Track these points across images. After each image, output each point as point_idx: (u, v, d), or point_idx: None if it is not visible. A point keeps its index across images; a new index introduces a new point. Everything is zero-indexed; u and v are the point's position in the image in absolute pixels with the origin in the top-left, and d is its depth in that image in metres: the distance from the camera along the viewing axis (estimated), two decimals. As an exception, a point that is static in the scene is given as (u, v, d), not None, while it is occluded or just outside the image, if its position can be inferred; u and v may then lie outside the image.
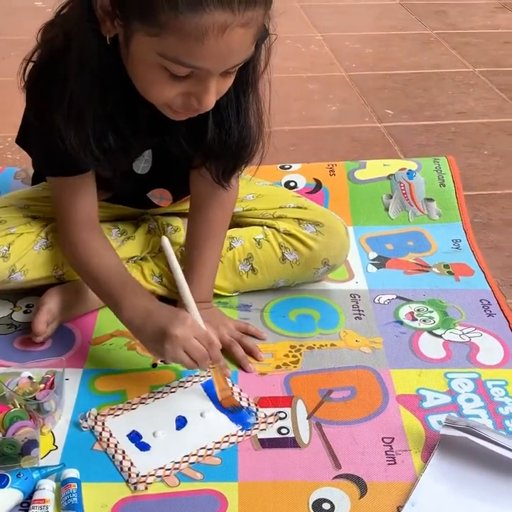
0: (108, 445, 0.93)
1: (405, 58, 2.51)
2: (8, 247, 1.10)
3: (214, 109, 0.94)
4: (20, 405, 0.93)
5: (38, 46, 0.97)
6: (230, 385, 1.02)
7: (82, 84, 0.90)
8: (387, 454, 0.93)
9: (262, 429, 0.96)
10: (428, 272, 1.32)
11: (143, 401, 1.00)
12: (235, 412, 0.98)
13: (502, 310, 1.20)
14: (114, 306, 1.02)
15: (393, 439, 0.95)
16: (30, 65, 0.97)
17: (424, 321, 1.18)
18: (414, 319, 1.19)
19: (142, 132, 1.00)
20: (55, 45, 0.93)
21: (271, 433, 0.96)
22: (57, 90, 0.92)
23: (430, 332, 1.16)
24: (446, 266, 1.33)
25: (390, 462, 0.91)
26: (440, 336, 1.15)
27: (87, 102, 0.91)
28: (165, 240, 0.98)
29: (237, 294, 1.23)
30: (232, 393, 1.01)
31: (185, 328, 0.94)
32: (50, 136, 0.95)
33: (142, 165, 1.09)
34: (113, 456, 0.92)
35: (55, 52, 0.93)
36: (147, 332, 0.97)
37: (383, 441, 0.95)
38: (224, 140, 1.01)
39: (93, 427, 0.96)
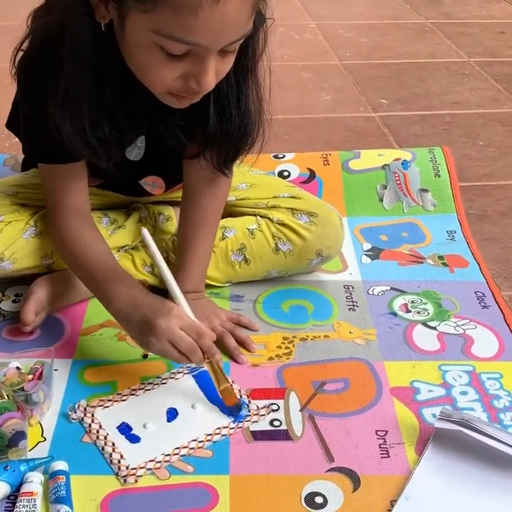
0: (98, 437, 0.92)
1: (400, 47, 2.49)
2: (-4, 236, 1.09)
3: (215, 96, 0.92)
4: (7, 396, 0.91)
5: (28, 33, 0.95)
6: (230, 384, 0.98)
7: (77, 73, 0.88)
8: (380, 447, 0.92)
9: (254, 422, 0.95)
10: (422, 263, 1.30)
11: (133, 392, 0.99)
12: (237, 411, 0.95)
13: (497, 302, 1.19)
14: (101, 296, 1.00)
15: (387, 432, 0.94)
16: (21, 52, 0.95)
17: (418, 312, 1.17)
18: (408, 311, 1.17)
19: (137, 121, 0.98)
20: (47, 32, 0.90)
21: (263, 425, 0.95)
22: (50, 79, 0.90)
23: (424, 324, 1.14)
24: (440, 257, 1.32)
25: (384, 455, 0.90)
26: (434, 328, 1.13)
27: (82, 91, 0.89)
28: (144, 231, 0.96)
29: (229, 284, 1.21)
30: (232, 388, 0.97)
31: (170, 319, 0.91)
32: (42, 124, 0.93)
33: (135, 151, 1.07)
34: (102, 449, 0.90)
35: (47, 39, 0.90)
36: (133, 323, 0.94)
37: (377, 434, 0.94)
38: (225, 127, 0.99)
39: (82, 419, 0.94)
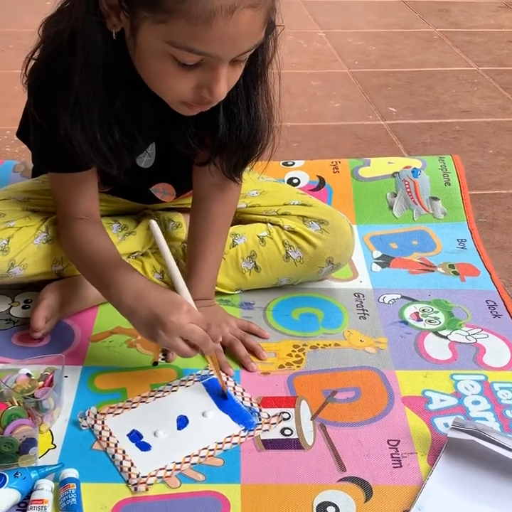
0: (108, 444, 0.91)
1: (409, 56, 2.49)
2: (8, 241, 1.08)
3: (224, 104, 0.92)
4: (18, 403, 0.91)
5: (40, 42, 0.96)
6: (224, 378, 1.01)
7: (88, 81, 0.88)
8: (392, 457, 0.91)
9: (265, 430, 0.95)
10: (433, 271, 1.30)
11: (143, 400, 0.98)
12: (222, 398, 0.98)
13: (508, 311, 1.19)
14: (106, 289, 0.99)
15: (399, 441, 0.93)
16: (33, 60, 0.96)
17: (429, 321, 1.16)
18: (419, 319, 1.17)
19: (148, 128, 0.98)
20: (58, 41, 0.91)
21: (274, 434, 0.94)
22: (61, 88, 0.90)
23: (436, 333, 1.14)
24: (451, 266, 1.31)
25: (396, 465, 0.90)
26: (446, 337, 1.13)
27: (93, 99, 0.90)
28: (153, 222, 0.94)
29: (239, 292, 1.21)
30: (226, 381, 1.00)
31: (181, 315, 0.91)
32: (53, 133, 0.93)
33: (146, 159, 1.07)
34: (113, 456, 0.90)
35: (58, 48, 0.91)
36: (139, 315, 0.93)
37: (389, 443, 0.93)
38: (235, 134, 0.99)
39: (93, 426, 0.94)
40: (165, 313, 0.91)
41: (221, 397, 0.99)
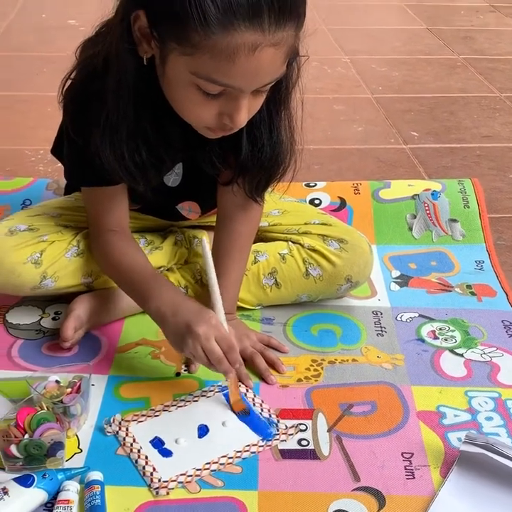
0: (131, 450, 0.95)
1: (432, 82, 2.53)
2: (41, 254, 1.13)
3: (248, 127, 0.97)
4: (47, 408, 0.94)
5: (77, 64, 1.01)
6: (244, 390, 1.04)
7: (119, 102, 0.94)
8: (406, 469, 0.93)
9: (282, 440, 0.98)
10: (450, 291, 1.32)
11: (166, 408, 1.02)
12: (245, 416, 1.00)
13: (524, 331, 1.21)
14: (142, 298, 1.05)
15: (413, 454, 0.96)
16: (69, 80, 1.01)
17: (445, 339, 1.19)
18: (436, 338, 1.19)
19: (174, 148, 1.03)
20: (94, 64, 0.96)
21: (291, 444, 0.97)
22: (94, 107, 0.96)
23: (452, 351, 1.16)
24: (468, 286, 1.34)
25: (409, 477, 0.92)
26: (461, 355, 1.15)
27: (123, 119, 0.95)
28: (204, 240, 1.01)
29: (260, 307, 1.25)
30: (241, 399, 1.02)
31: (209, 327, 0.96)
32: (85, 149, 0.99)
33: (173, 178, 1.12)
34: (136, 461, 0.94)
35: (94, 70, 0.96)
36: (171, 324, 0.99)
37: (402, 456, 0.95)
38: (257, 157, 1.04)
39: (117, 432, 0.98)
40: (195, 322, 0.96)
41: (244, 415, 1.01)
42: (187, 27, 0.81)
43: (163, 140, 1.00)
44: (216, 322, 0.97)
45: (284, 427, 0.99)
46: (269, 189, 1.13)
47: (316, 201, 1.51)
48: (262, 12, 0.80)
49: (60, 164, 1.17)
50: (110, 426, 0.98)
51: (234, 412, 1.01)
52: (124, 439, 0.97)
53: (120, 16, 0.89)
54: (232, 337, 0.98)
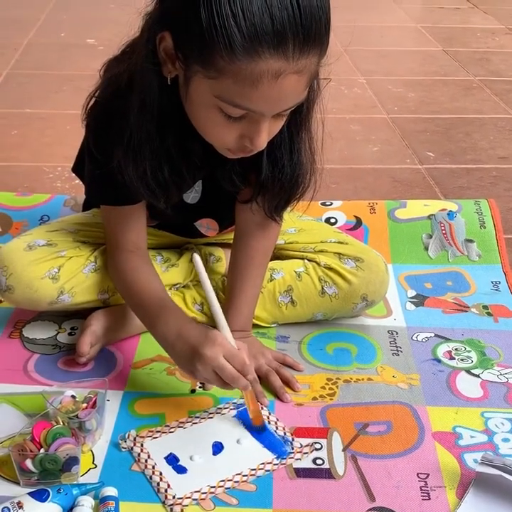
0: (146, 466, 0.95)
1: (448, 103, 2.54)
2: (58, 269, 1.14)
3: (268, 148, 0.98)
4: (63, 422, 0.95)
5: (101, 83, 1.03)
6: (259, 408, 1.03)
7: (142, 121, 0.95)
8: (421, 490, 0.93)
9: (297, 459, 0.97)
10: (467, 312, 1.32)
11: (181, 425, 1.02)
12: (260, 433, 1.00)
13: (541, 353, 1.20)
14: (150, 324, 1.05)
15: (428, 475, 0.95)
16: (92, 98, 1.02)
17: (461, 360, 1.18)
18: (452, 358, 1.19)
19: (195, 166, 1.04)
20: (118, 82, 0.98)
21: (306, 463, 0.97)
22: (117, 125, 0.97)
23: (468, 371, 1.16)
24: (485, 307, 1.33)
25: (425, 498, 0.91)
26: (478, 376, 1.15)
27: (146, 138, 0.96)
28: (196, 256, 0.99)
29: (275, 325, 1.25)
30: (260, 413, 1.02)
31: (215, 347, 0.94)
32: (107, 167, 1.00)
33: (192, 195, 1.13)
34: (150, 478, 0.94)
35: (118, 89, 0.98)
36: (178, 350, 0.99)
37: (418, 476, 0.95)
38: (277, 177, 1.04)
39: (132, 448, 0.98)
40: (201, 345, 0.95)
41: (259, 430, 1.01)
42: (212, 52, 0.82)
43: (185, 158, 1.01)
44: (221, 340, 0.96)
45: (299, 446, 0.99)
46: (288, 209, 1.13)
47: (332, 220, 1.51)
48: (286, 40, 0.80)
49: (77, 181, 1.19)
50: (125, 441, 0.99)
51: (253, 427, 1.01)
52: (139, 455, 0.97)
53: (146, 36, 0.90)
54: (243, 352, 0.96)
